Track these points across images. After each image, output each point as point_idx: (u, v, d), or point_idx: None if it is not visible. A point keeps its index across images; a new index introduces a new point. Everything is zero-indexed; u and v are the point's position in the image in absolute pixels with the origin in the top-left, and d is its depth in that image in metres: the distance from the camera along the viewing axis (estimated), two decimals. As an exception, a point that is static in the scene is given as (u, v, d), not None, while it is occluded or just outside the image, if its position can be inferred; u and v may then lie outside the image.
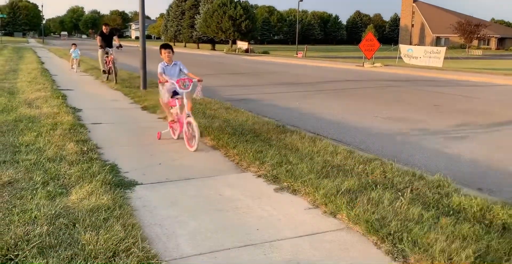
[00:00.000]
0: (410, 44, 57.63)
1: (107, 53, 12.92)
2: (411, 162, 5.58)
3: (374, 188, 4.00)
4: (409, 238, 3.04)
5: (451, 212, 3.56)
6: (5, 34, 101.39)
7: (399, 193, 3.86)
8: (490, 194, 4.31)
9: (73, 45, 16.60)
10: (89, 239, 2.87)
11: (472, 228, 3.20)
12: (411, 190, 3.99)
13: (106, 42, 13.11)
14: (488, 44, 75.76)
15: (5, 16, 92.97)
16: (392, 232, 3.14)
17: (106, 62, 13.00)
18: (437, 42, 73.44)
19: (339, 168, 4.61)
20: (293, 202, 3.85)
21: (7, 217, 3.19)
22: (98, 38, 12.98)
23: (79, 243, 2.84)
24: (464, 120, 8.67)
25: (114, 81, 12.40)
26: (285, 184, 4.23)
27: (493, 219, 3.45)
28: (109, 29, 13.30)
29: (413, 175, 4.48)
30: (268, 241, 3.11)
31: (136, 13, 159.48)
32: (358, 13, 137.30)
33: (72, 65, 16.84)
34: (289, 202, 3.86)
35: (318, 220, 3.50)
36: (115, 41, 13.42)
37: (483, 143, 6.79)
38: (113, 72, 12.57)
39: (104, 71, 13.35)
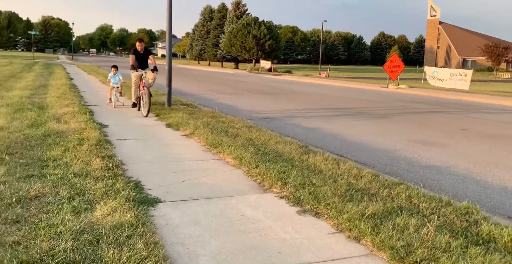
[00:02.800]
0: (436, 66, 57.09)
1: (141, 75, 10.70)
2: (438, 187, 5.46)
3: (400, 213, 3.91)
4: (437, 268, 2.94)
5: (481, 241, 3.44)
6: (37, 51, 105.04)
7: (426, 219, 3.76)
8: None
9: (113, 68, 11.85)
10: (112, 256, 2.89)
11: (503, 259, 3.09)
12: (438, 217, 3.88)
13: (140, 62, 10.78)
14: (516, 67, 74.33)
15: (37, 33, 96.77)
16: (418, 260, 3.05)
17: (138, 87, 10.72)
18: (463, 64, 72.56)
19: (363, 192, 4.53)
20: (316, 225, 3.79)
21: (33, 231, 3.24)
22: (132, 57, 10.67)
23: (102, 260, 2.85)
24: (492, 146, 8.45)
25: (145, 113, 9.86)
26: (308, 206, 4.18)
27: (525, 250, 3.31)
28: (144, 46, 10.96)
29: (440, 200, 4.37)
30: (290, 265, 3.05)
31: (163, 32, 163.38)
32: (382, 34, 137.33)
33: (110, 97, 11.73)
34: (312, 225, 3.81)
35: (342, 245, 3.43)
36: (151, 60, 10.95)
37: (512, 169, 6.59)
38: (146, 101, 9.99)
39: (134, 104, 10.98)
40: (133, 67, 10.58)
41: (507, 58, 58.66)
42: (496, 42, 59.85)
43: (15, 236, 3.12)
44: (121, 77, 11.70)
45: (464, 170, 6.41)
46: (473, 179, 5.93)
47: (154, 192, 4.47)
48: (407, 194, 4.52)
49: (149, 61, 11.00)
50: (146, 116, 9.75)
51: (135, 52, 10.79)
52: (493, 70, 59.06)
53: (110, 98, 11.61)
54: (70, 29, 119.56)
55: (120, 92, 11.82)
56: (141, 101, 10.39)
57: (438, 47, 79.77)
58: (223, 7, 72.82)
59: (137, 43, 10.88)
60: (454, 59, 76.23)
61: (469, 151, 7.77)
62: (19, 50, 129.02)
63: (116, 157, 5.73)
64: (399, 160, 6.92)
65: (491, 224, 3.72)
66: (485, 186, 5.64)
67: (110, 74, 11.83)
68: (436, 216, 3.86)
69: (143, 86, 10.30)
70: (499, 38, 75.68)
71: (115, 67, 11.86)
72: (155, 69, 10.53)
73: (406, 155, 7.25)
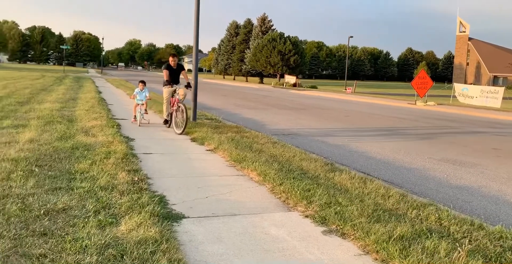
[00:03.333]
0: (465, 83, 56.00)
1: (174, 91, 10.29)
2: (469, 209, 5.27)
3: (429, 236, 3.78)
4: (470, 296, 2.81)
5: (516, 268, 3.28)
6: (67, 64, 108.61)
7: (457, 243, 3.62)
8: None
9: (140, 84, 11.04)
10: (136, 272, 2.87)
11: (542, 289, 2.92)
12: (470, 241, 3.73)
13: (173, 78, 10.44)
14: (550, 85, 72.17)
15: (68, 47, 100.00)
16: (450, 287, 2.92)
17: (171, 104, 10.31)
18: (494, 81, 70.92)
19: (391, 212, 4.41)
20: (342, 246, 3.70)
21: (59, 244, 3.27)
22: (165, 72, 10.22)
23: (125, 276, 2.84)
24: (525, 166, 8.15)
25: (181, 130, 9.44)
26: (333, 226, 4.09)
27: None
28: (177, 61, 10.60)
29: (471, 223, 4.21)
30: (315, 288, 2.97)
31: (189, 47, 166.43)
32: (410, 50, 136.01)
33: (134, 115, 10.90)
34: (337, 246, 3.71)
35: (369, 267, 3.33)
36: (183, 76, 10.64)
37: (548, 191, 6.32)
38: (181, 118, 9.56)
39: (166, 121, 10.50)
40: (168, 83, 10.18)
41: (540, 75, 56.99)
42: (528, 59, 58.31)
43: (42, 249, 3.15)
44: (148, 94, 10.84)
45: (496, 191, 6.18)
46: (507, 201, 5.70)
47: (178, 207, 4.47)
48: (437, 215, 4.37)
49: (181, 76, 10.67)
50: (181, 133, 9.38)
51: (169, 67, 10.37)
52: (525, 88, 57.44)
53: (135, 116, 10.80)
54: (100, 43, 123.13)
55: (146, 110, 10.88)
56: (173, 118, 10.01)
57: (467, 64, 78.33)
58: (248, 22, 73.80)
59: (170, 58, 10.49)
60: (485, 76, 74.62)
61: (501, 171, 7.51)
62: (51, 63, 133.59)
63: (141, 170, 5.77)
64: (427, 179, 6.73)
65: (527, 251, 3.54)
66: (519, 209, 5.41)
67: (137, 90, 10.94)
68: (467, 240, 3.71)
69: (176, 103, 9.95)
70: (531, 54, 73.81)
71: (143, 82, 11.00)
72: (188, 86, 10.16)
73: (435, 174, 7.05)
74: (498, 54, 74.78)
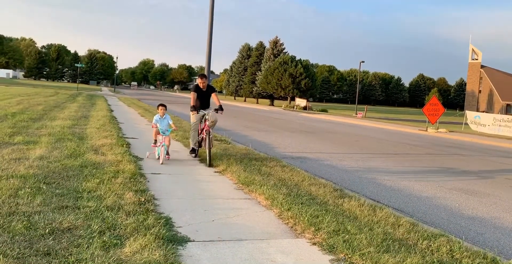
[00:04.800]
0: (477, 110, 55.65)
1: (202, 117, 8.94)
2: (481, 240, 5.13)
3: (441, 269, 3.66)
4: None
5: (532, 306, 3.14)
6: (81, 82, 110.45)
7: (470, 278, 3.50)
8: None
9: (160, 108, 8.80)
10: (138, 298, 2.80)
11: None
12: (483, 275, 3.60)
13: (202, 102, 9.09)
14: None
15: (83, 65, 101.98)
16: None
17: (198, 132, 9.01)
18: (507, 109, 70.37)
19: (401, 242, 4.30)
20: (350, 277, 3.59)
21: (62, 265, 3.22)
22: (193, 95, 8.96)
23: (127, 301, 2.77)
24: (540, 197, 7.96)
25: (207, 162, 8.33)
26: (341, 255, 3.99)
27: None
28: (207, 82, 9.15)
29: (484, 257, 4.08)
30: None
31: (202, 68, 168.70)
32: (421, 76, 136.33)
33: (155, 139, 8.71)
34: (345, 276, 3.61)
35: (377, 300, 3.21)
36: (214, 99, 9.19)
37: None
38: (206, 146, 8.43)
39: (193, 150, 9.20)
40: (194, 108, 8.78)
41: (553, 105, 56.45)
42: (541, 88, 57.92)
43: (44, 270, 3.10)
44: (171, 122, 8.76)
45: (510, 223, 6.02)
46: (521, 234, 5.54)
47: (184, 230, 4.41)
48: (448, 247, 4.25)
49: (211, 100, 9.28)
50: (209, 166, 8.23)
51: (197, 90, 9.02)
52: (538, 117, 56.93)
53: (155, 141, 8.66)
54: (114, 62, 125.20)
55: (169, 145, 8.50)
56: (206, 149, 8.48)
57: (479, 91, 78.01)
58: (260, 45, 74.80)
59: (199, 80, 9.01)
60: (497, 104, 74.13)
61: (514, 203, 7.34)
62: (65, 81, 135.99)
63: (148, 191, 5.74)
64: (439, 208, 6.59)
65: (543, 288, 3.41)
66: (534, 242, 5.24)
67: (156, 117, 8.66)
68: (481, 275, 3.59)
69: (205, 130, 8.58)
70: (544, 83, 73.35)
71: (163, 106, 8.80)
72: (220, 109, 8.79)
73: (447, 204, 6.91)
74: (511, 82, 74.46)
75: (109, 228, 4.10)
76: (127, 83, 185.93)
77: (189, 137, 9.52)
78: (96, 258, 3.35)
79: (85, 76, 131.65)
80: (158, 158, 8.28)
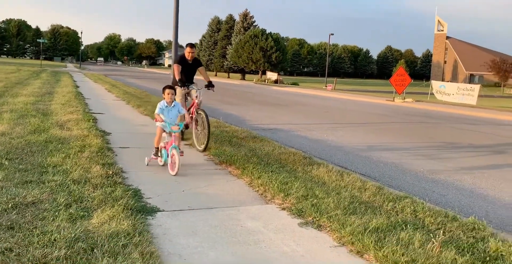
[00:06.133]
0: (443, 80, 56.95)
1: (188, 93, 7.85)
2: (443, 201, 5.33)
3: (404, 227, 3.80)
4: (442, 285, 2.83)
5: (488, 258, 3.32)
6: (45, 59, 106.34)
7: (431, 235, 3.65)
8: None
9: (167, 91, 5.95)
10: (106, 266, 2.80)
11: (512, 278, 2.96)
12: (444, 232, 3.76)
13: (187, 76, 7.75)
14: (524, 83, 74.08)
15: (46, 41, 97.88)
16: (423, 277, 2.93)
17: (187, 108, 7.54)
18: (470, 79, 72.40)
19: (367, 205, 4.42)
20: (317, 238, 3.69)
21: (27, 238, 3.16)
22: (176, 68, 7.57)
23: (95, 269, 2.76)
24: (500, 161, 8.31)
25: (203, 147, 7.01)
26: (310, 218, 4.07)
27: (535, 269, 3.19)
28: (195, 54, 7.87)
29: (445, 215, 4.25)
30: (290, 279, 2.95)
31: (170, 42, 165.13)
32: (389, 48, 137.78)
33: (156, 147, 5.99)
34: (313, 238, 3.70)
35: (344, 259, 3.32)
36: (202, 74, 8.12)
37: (520, 185, 6.45)
38: (197, 127, 7.39)
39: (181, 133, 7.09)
40: (183, 83, 7.40)
41: (514, 74, 58.40)
42: (504, 58, 59.69)
43: (8, 243, 3.04)
44: (184, 112, 6.23)
45: (470, 184, 6.28)
46: (480, 194, 5.80)
47: (153, 201, 4.39)
48: (412, 208, 4.40)
49: (197, 76, 8.10)
50: (204, 150, 6.99)
51: (182, 61, 7.67)
52: (501, 86, 58.83)
53: (157, 150, 5.94)
54: (79, 38, 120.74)
55: (180, 147, 5.78)
56: (193, 130, 7.56)
57: (445, 62, 79.75)
58: (230, 18, 73.47)
59: (188, 49, 7.61)
60: (461, 74, 76.11)
61: (476, 166, 7.64)
62: (28, 58, 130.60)
63: (117, 164, 5.66)
64: (404, 173, 6.80)
65: (498, 241, 3.60)
66: (492, 201, 5.50)
67: (162, 105, 5.93)
68: (441, 231, 3.75)
69: (196, 108, 7.51)
70: (506, 54, 75.60)
71: (172, 89, 6.01)
72: (211, 85, 7.78)
73: (412, 168, 7.13)
74: (475, 53, 76.39)
75: (76, 201, 4.04)
76: (93, 59, 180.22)
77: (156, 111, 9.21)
78: (62, 230, 3.30)
79: (49, 53, 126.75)
80: (164, 165, 5.79)
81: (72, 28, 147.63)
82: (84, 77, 35.29)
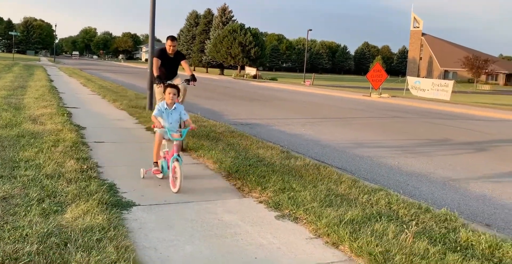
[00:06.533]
0: (418, 76, 57.97)
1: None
2: (417, 194, 5.45)
3: (379, 219, 3.86)
4: (415, 274, 2.89)
5: (458, 247, 3.41)
6: (18, 52, 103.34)
7: (404, 226, 3.72)
8: (499, 230, 4.15)
9: (169, 91, 5.00)
10: (80, 260, 2.75)
11: (481, 266, 3.05)
12: (417, 223, 3.85)
13: (169, 71, 7.32)
14: (496, 80, 76.19)
15: (18, 34, 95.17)
16: (396, 267, 2.99)
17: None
18: (445, 75, 73.90)
19: (343, 197, 4.48)
20: (294, 231, 3.72)
21: (-3, 233, 3.08)
22: (156, 62, 7.04)
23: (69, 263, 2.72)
24: (472, 155, 8.53)
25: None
26: (286, 211, 4.10)
27: (502, 257, 3.29)
28: (176, 47, 7.31)
29: (419, 207, 4.34)
30: (266, 271, 2.97)
31: (147, 36, 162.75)
32: (366, 44, 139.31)
33: (155, 162, 5.06)
34: (290, 230, 3.73)
35: (320, 250, 3.36)
36: (184, 68, 7.38)
37: (495, 177, 6.64)
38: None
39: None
40: (160, 80, 6.70)
41: (486, 71, 59.99)
42: (477, 55, 61.17)
43: (-23, 239, 2.96)
44: (187, 117, 5.14)
45: (444, 177, 6.43)
46: (453, 187, 5.94)
47: (129, 195, 4.34)
48: (387, 200, 4.48)
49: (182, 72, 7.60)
50: (184, 149, 6.52)
51: (162, 55, 7.13)
52: (474, 82, 60.31)
53: (156, 163, 5.05)
54: (53, 31, 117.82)
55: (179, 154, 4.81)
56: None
57: (420, 58, 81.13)
58: (209, 12, 72.93)
59: (168, 42, 7.12)
60: (436, 70, 77.60)
61: (449, 160, 7.82)
62: None
63: (91, 159, 5.57)
64: (380, 166, 6.91)
65: (469, 231, 3.70)
66: (464, 193, 5.65)
67: (161, 106, 5.05)
68: (414, 223, 3.83)
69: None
70: (479, 51, 77.47)
71: (174, 89, 5.07)
72: (192, 79, 7.06)
73: (387, 162, 7.25)
74: (449, 50, 77.97)
75: (49, 196, 3.96)
76: (68, 53, 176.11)
77: (136, 106, 8.56)
78: (35, 225, 3.23)
79: (22, 46, 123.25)
80: (162, 178, 5.01)
81: (46, 21, 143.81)
82: (58, 71, 34.51)
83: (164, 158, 4.94)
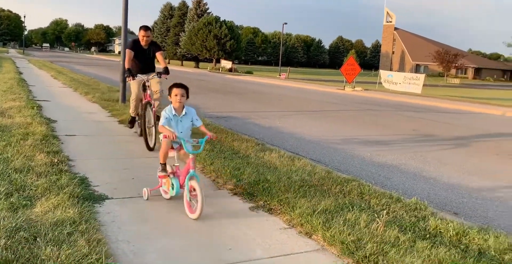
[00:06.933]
0: (391, 70, 58.89)
1: (144, 85, 6.67)
2: (389, 184, 5.57)
3: (351, 209, 3.93)
4: (385, 261, 2.97)
5: (428, 235, 3.51)
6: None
7: (376, 215, 3.80)
8: (466, 218, 4.29)
9: (176, 91, 4.13)
10: (50, 254, 2.70)
11: (448, 252, 3.15)
12: (388, 212, 3.93)
13: (143, 63, 6.94)
14: (465, 74, 78.22)
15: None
16: (367, 255, 3.06)
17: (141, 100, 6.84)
18: (416, 69, 75.31)
19: (316, 188, 4.53)
20: (268, 221, 3.75)
21: (-37, 229, 2.99)
22: (128, 53, 6.69)
23: (38, 258, 2.67)
24: (441, 146, 8.76)
25: (152, 144, 6.20)
26: (261, 202, 4.13)
27: (469, 244, 3.41)
28: (151, 38, 6.97)
29: (390, 197, 4.44)
30: (240, 261, 2.99)
31: (120, 28, 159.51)
32: (340, 38, 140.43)
33: (161, 185, 4.20)
34: (264, 221, 3.76)
35: (293, 240, 3.40)
36: (159, 60, 6.93)
37: (464, 168, 6.84)
38: (145, 124, 6.45)
39: (132, 120, 7.29)
40: (130, 73, 6.45)
41: (456, 65, 61.43)
42: (447, 49, 62.50)
43: None
44: (201, 123, 4.32)
45: (414, 168, 6.59)
46: (423, 177, 6.09)
47: (101, 189, 4.28)
48: (359, 190, 4.56)
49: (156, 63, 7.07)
50: (153, 149, 6.15)
51: (135, 46, 6.74)
52: (444, 76, 61.74)
53: (164, 168, 4.16)
54: (22, 22, 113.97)
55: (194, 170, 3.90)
56: (145, 122, 6.53)
57: (393, 52, 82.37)
58: (183, 4, 72.03)
59: (141, 33, 6.74)
60: (408, 64, 79.01)
61: (419, 151, 8.01)
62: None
63: (62, 152, 5.45)
64: (352, 158, 7.02)
65: (438, 219, 3.81)
66: (433, 183, 5.80)
67: (169, 112, 4.10)
68: (386, 212, 3.91)
69: (144, 102, 6.62)
70: (449, 45, 79.25)
71: (183, 89, 4.25)
72: (164, 72, 6.63)
73: (360, 154, 7.37)
74: (421, 44, 79.46)
75: (18, 190, 3.86)
76: (38, 45, 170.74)
77: (108, 99, 8.47)
78: (2, 220, 3.14)
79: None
80: (170, 198, 4.16)
81: (14, 11, 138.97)
82: (28, 63, 33.51)
83: (174, 174, 4.05)
